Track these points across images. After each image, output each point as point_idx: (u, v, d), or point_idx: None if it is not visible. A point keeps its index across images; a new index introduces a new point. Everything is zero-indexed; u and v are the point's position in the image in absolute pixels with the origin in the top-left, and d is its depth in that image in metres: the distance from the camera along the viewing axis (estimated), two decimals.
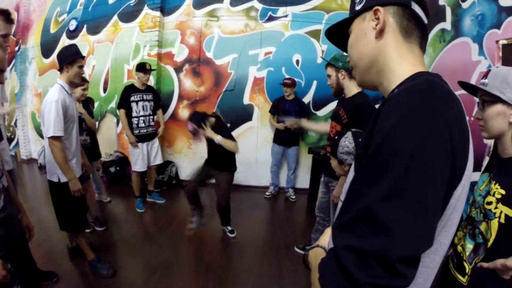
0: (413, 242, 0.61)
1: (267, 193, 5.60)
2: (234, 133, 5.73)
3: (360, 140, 0.74)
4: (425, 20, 0.87)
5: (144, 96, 4.71)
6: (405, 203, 0.61)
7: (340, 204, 0.90)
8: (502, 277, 1.30)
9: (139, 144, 4.68)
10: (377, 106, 1.04)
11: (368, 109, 2.55)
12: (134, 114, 4.64)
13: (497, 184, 1.36)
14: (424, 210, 0.62)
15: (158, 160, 4.99)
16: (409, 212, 0.61)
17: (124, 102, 4.61)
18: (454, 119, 0.67)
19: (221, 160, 3.80)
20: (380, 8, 0.84)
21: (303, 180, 5.62)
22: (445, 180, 0.65)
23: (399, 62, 0.85)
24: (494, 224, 1.32)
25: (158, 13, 5.75)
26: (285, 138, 5.29)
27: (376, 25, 0.85)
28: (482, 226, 1.38)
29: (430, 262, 0.76)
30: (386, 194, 0.62)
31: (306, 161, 5.52)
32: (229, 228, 4.03)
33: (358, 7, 0.90)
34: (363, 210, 0.65)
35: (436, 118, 0.64)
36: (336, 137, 2.12)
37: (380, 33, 0.85)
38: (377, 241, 0.61)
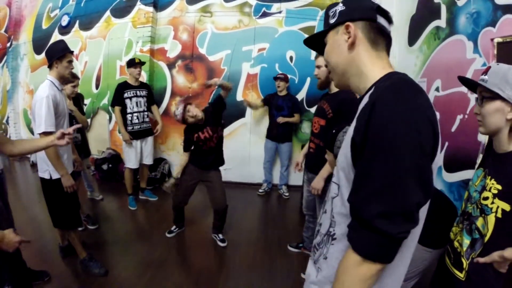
0: (423, 196, 0.84)
1: (260, 190, 5.58)
2: (227, 130, 5.77)
3: (355, 127, 0.87)
4: (389, 29, 1.04)
5: (138, 92, 4.68)
6: (412, 173, 0.81)
7: (338, 188, 1.04)
8: (499, 271, 1.35)
9: (133, 141, 4.66)
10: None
11: (353, 103, 2.53)
12: (128, 110, 4.63)
13: (493, 179, 1.39)
14: (424, 175, 0.84)
15: (149, 160, 4.97)
16: (416, 178, 0.82)
17: (118, 99, 4.59)
18: (430, 108, 0.86)
19: (217, 157, 3.59)
20: (351, 24, 1.00)
21: (297, 177, 5.61)
22: (430, 153, 0.86)
23: (371, 68, 1.01)
24: (491, 219, 1.35)
25: (151, 9, 5.71)
26: (278, 134, 5.27)
27: (348, 38, 1.01)
28: (479, 222, 1.41)
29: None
30: (396, 168, 0.81)
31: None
32: (221, 236, 3.78)
33: (332, 21, 1.06)
34: (381, 184, 0.83)
35: (420, 108, 0.84)
36: (334, 131, 2.11)
37: (351, 46, 1.02)
38: (398, 204, 0.82)
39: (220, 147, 3.60)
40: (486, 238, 1.37)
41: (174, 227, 3.91)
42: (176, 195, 3.70)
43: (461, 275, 1.47)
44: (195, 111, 3.33)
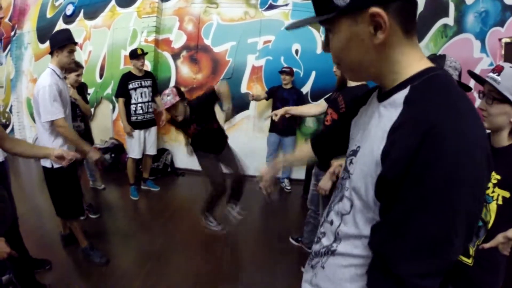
0: (460, 251, 0.71)
1: None
2: (230, 122, 5.72)
3: (388, 148, 0.70)
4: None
5: (143, 82, 4.67)
6: (465, 227, 0.67)
7: (351, 207, 0.89)
8: (504, 254, 1.43)
9: (136, 131, 4.66)
10: None
11: None
12: (133, 101, 4.63)
13: (493, 171, 1.44)
14: (475, 225, 0.72)
15: (152, 151, 4.98)
16: (468, 231, 0.68)
17: (123, 91, 4.58)
18: (481, 127, 0.71)
19: (219, 138, 3.57)
20: (381, 12, 0.68)
21: (299, 171, 5.59)
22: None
23: (406, 63, 0.77)
24: (493, 206, 1.46)
25: None
26: (282, 127, 5.22)
27: (375, 29, 0.71)
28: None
29: None
30: (452, 224, 0.66)
31: None
32: (237, 208, 3.80)
33: (341, 3, 0.72)
34: (429, 240, 0.67)
35: (483, 148, 0.67)
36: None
37: (383, 41, 0.73)
38: (443, 263, 0.70)
39: (217, 132, 3.53)
40: (490, 225, 1.47)
41: (210, 217, 3.73)
42: (213, 180, 3.53)
43: (469, 261, 1.55)
44: (179, 114, 3.24)
